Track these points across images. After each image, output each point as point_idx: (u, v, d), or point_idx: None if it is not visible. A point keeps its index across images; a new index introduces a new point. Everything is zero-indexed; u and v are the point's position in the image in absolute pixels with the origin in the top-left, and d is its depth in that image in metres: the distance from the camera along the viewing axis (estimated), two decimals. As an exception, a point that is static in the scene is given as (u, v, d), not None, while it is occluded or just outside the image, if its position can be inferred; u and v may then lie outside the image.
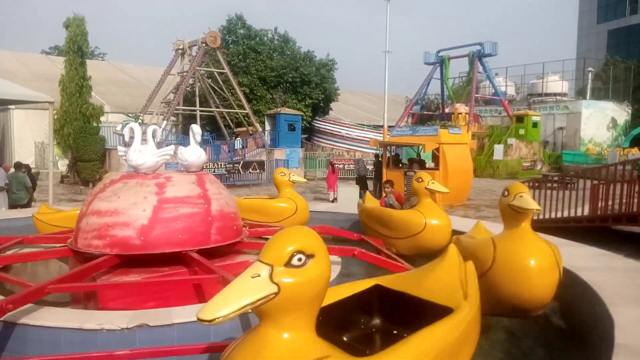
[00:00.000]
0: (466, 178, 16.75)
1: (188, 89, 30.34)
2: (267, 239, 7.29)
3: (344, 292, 3.51)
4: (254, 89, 31.15)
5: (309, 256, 2.34)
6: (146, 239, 4.82)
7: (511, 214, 4.81)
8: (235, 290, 2.22)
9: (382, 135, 21.99)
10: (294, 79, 31.59)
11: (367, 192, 9.68)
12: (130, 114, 28.23)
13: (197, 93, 29.75)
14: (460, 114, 33.42)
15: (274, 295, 2.22)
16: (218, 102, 30.65)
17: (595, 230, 9.66)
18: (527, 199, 4.68)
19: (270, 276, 2.24)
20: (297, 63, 32.08)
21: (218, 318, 2.01)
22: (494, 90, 37.51)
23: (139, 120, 25.81)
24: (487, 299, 4.45)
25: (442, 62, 37.97)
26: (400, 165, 17.55)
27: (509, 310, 4.74)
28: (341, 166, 24.68)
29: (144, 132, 5.40)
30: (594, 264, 5.66)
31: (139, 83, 38.07)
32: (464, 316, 3.04)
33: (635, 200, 8.70)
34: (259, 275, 2.26)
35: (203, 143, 25.84)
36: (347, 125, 34.09)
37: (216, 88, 30.13)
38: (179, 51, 29.80)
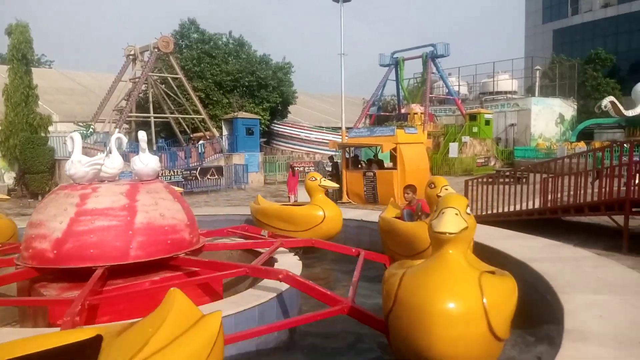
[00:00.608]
0: (423, 177, 16.96)
1: (141, 95, 29.61)
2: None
3: (49, 342, 2.57)
4: (209, 93, 30.71)
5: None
6: (59, 252, 4.65)
7: (432, 235, 3.67)
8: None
9: (340, 137, 22.11)
10: (250, 82, 31.34)
11: (391, 200, 9.06)
12: (80, 123, 27.24)
13: (150, 99, 29.04)
14: (416, 114, 34.06)
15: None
16: (173, 108, 30.03)
17: (546, 222, 10.03)
18: (445, 218, 3.49)
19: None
20: (253, 67, 31.85)
21: None
22: (447, 90, 38.45)
23: (91, 129, 24.98)
24: (398, 346, 3.78)
25: (396, 64, 38.61)
26: (360, 166, 17.68)
27: None
28: (301, 169, 24.62)
29: (96, 142, 5.28)
30: (545, 255, 5.87)
31: (89, 91, 36.87)
32: None
33: (582, 191, 9.08)
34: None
35: (158, 150, 25.20)
36: (305, 128, 34.13)
37: (170, 94, 29.51)
38: (130, 57, 29.01)
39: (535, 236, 7.19)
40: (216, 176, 21.56)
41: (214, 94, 30.84)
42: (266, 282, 5.20)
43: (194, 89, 28.83)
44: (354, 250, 6.39)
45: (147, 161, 5.43)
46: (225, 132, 26.37)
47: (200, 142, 26.52)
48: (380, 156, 18.12)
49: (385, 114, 39.66)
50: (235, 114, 26.60)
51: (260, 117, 29.02)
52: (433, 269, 3.53)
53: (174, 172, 20.43)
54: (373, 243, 7.99)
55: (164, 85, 29.96)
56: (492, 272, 3.89)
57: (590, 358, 3.08)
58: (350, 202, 16.46)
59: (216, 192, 20.98)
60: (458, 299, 3.28)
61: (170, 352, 2.30)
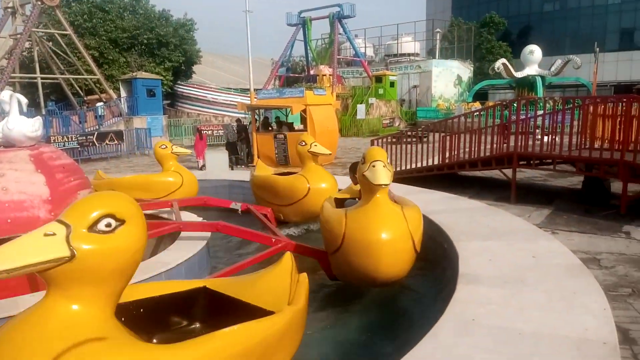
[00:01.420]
0: (333, 138, 17.29)
1: (25, 53, 26.69)
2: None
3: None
4: (104, 52, 28.45)
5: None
6: None
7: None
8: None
9: (249, 98, 21.62)
10: (149, 40, 29.42)
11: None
12: (-48, 85, 24.05)
13: (36, 58, 26.27)
14: (325, 75, 34.16)
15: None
16: (63, 68, 27.45)
17: (445, 177, 10.70)
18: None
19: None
20: (151, 23, 29.85)
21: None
22: (354, 52, 38.88)
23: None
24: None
25: (304, 24, 38.16)
26: (270, 128, 17.50)
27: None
28: (210, 132, 23.90)
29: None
30: (443, 207, 6.26)
31: (-40, 47, 32.47)
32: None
33: (476, 148, 9.75)
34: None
35: (49, 114, 23.06)
36: (212, 90, 32.92)
37: (59, 52, 26.88)
38: (9, 10, 25.85)
39: (435, 190, 7.64)
40: (116, 141, 20.27)
41: (109, 52, 28.62)
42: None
43: (86, 47, 26.51)
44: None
45: (13, 125, 4.80)
46: (123, 93, 24.68)
47: (99, 104, 24.59)
48: (290, 118, 18.06)
49: (294, 75, 39.39)
50: (134, 74, 24.92)
51: (162, 78, 27.48)
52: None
53: (67, 137, 18.88)
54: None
55: (51, 43, 27.20)
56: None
57: (481, 298, 3.36)
58: (261, 164, 16.33)
59: (117, 159, 19.78)
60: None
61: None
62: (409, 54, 42.47)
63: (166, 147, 8.57)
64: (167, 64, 30.41)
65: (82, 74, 26.84)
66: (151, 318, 3.06)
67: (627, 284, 4.86)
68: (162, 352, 2.26)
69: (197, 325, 3.25)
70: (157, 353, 2.25)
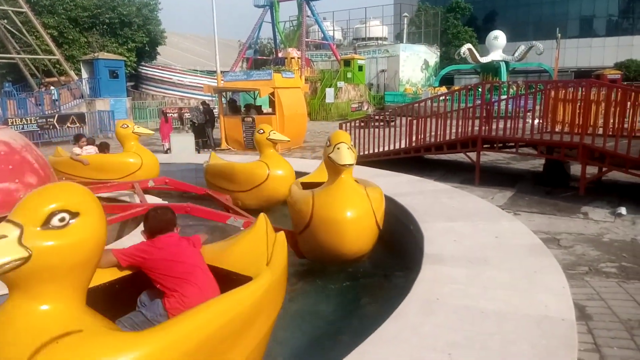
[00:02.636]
0: (301, 121, 17.20)
1: (-24, 31, 25.33)
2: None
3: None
4: (63, 31, 27.25)
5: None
6: None
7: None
8: None
9: (216, 80, 21.22)
10: (111, 19, 28.35)
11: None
12: None
13: (-11, 36, 25.02)
14: (293, 58, 33.82)
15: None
16: (19, 48, 26.22)
17: (412, 160, 10.83)
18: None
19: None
20: (113, 2, 28.72)
21: None
22: (322, 35, 38.60)
23: None
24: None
25: (272, 5, 37.55)
26: (241, 111, 17.25)
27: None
28: (175, 115, 23.37)
29: None
30: (410, 189, 6.34)
31: None
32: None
33: (442, 131, 9.88)
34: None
35: (6, 95, 22.06)
36: (178, 71, 32.14)
37: (14, 31, 25.62)
38: (-43, -16, 24.43)
39: (401, 173, 7.72)
40: (78, 124, 19.58)
41: (69, 32, 27.44)
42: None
43: (44, 26, 25.34)
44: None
45: None
46: (85, 75, 23.81)
47: (52, 88, 23.63)
48: (258, 101, 17.83)
49: (262, 58, 38.83)
50: (96, 54, 24.05)
51: (125, 59, 26.61)
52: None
53: (27, 120, 18.14)
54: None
55: (5, 21, 25.88)
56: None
57: (445, 277, 3.43)
58: (229, 148, 16.15)
59: (79, 142, 19.13)
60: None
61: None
62: (377, 38, 42.45)
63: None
64: (131, 45, 29.43)
65: (40, 54, 25.73)
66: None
67: (584, 263, 5.07)
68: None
69: None
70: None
